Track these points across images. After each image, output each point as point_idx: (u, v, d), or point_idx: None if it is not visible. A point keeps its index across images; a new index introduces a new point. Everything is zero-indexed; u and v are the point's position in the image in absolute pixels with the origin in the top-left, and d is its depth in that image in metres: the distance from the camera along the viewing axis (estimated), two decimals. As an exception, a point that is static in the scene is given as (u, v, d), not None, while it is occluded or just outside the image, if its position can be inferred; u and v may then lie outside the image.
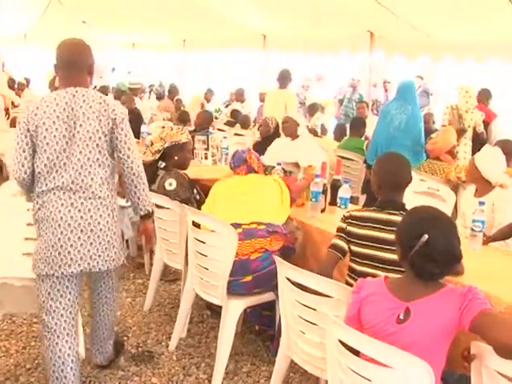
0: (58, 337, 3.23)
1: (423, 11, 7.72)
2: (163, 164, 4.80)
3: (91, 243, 3.13)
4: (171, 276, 5.35)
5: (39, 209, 3.14)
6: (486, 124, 8.10)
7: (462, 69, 10.79)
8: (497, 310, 2.60)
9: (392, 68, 14.18)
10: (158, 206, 4.40)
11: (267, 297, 3.78)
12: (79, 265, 3.12)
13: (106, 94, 11.30)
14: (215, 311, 4.47)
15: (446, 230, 2.43)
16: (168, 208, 4.31)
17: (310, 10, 8.70)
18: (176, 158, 4.81)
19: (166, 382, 3.76)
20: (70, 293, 3.25)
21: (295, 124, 6.34)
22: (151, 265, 5.04)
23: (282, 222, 3.93)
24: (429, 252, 2.37)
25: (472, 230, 3.67)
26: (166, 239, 4.46)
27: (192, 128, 7.90)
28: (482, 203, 3.71)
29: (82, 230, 3.10)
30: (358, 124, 8.02)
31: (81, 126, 3.08)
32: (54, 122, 3.07)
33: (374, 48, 9.65)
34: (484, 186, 4.44)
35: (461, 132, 7.37)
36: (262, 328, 4.34)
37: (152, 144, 4.88)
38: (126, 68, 17.55)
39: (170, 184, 4.55)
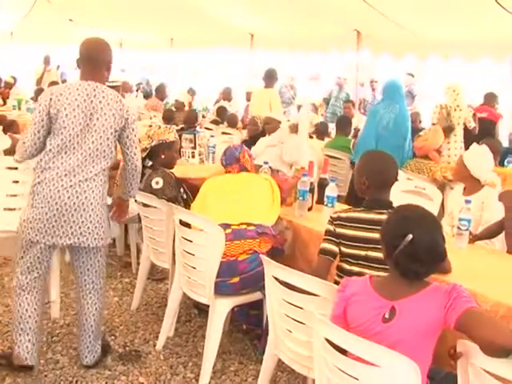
0: (28, 293, 3.58)
1: (410, 10, 7.77)
2: (150, 163, 4.79)
3: (83, 221, 3.44)
4: (158, 275, 5.34)
5: (39, 183, 3.42)
6: (493, 124, 8.34)
7: (449, 68, 10.86)
8: (483, 309, 2.61)
9: (379, 67, 14.21)
10: (144, 205, 4.39)
11: (255, 296, 3.78)
12: (69, 238, 3.45)
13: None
14: (203, 310, 4.46)
15: (431, 229, 2.43)
16: (155, 207, 4.29)
17: (297, 9, 8.71)
18: (163, 156, 4.81)
19: (153, 382, 3.75)
20: (47, 261, 3.60)
21: (277, 123, 6.33)
22: (138, 264, 5.02)
23: (272, 223, 3.92)
24: (413, 251, 2.37)
25: (458, 228, 3.68)
26: (152, 238, 4.44)
27: (179, 127, 7.89)
28: (468, 202, 3.72)
29: (75, 209, 3.41)
30: (345, 123, 8.05)
31: (97, 119, 3.42)
32: (73, 110, 3.38)
33: (361, 47, 9.68)
34: (473, 184, 4.46)
35: (448, 130, 7.44)
36: (249, 327, 4.34)
37: (139, 142, 4.86)
38: (115, 66, 17.43)
39: (157, 183, 4.54)
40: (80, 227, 3.43)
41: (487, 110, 8.56)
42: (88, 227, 3.45)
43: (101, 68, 3.52)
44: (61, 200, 3.37)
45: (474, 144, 4.89)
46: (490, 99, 9.00)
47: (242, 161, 4.15)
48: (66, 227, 3.41)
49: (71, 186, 3.38)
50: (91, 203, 3.43)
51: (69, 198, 3.38)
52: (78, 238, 3.45)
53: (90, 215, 3.44)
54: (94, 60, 3.49)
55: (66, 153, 3.38)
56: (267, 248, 3.80)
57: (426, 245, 2.38)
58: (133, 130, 3.54)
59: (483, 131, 7.88)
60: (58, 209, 3.38)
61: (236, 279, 3.69)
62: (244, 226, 3.78)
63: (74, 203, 3.39)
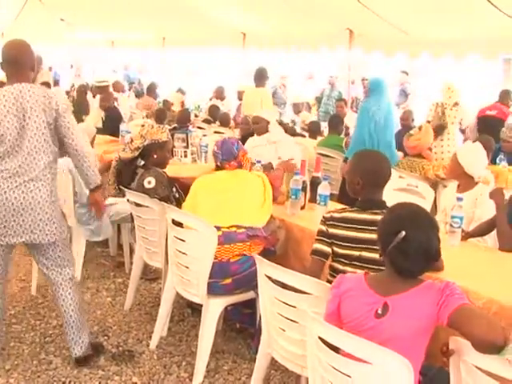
0: None
1: (402, 9, 7.78)
2: (142, 162, 4.78)
3: (32, 219, 3.54)
4: (151, 275, 5.33)
5: None
6: (501, 122, 8.25)
7: (440, 66, 10.89)
8: (475, 306, 2.62)
9: (371, 65, 14.23)
10: (137, 205, 4.38)
11: (248, 295, 3.78)
12: (21, 237, 3.56)
13: (86, 93, 11.20)
14: (196, 309, 4.45)
15: (425, 227, 2.43)
16: (147, 206, 4.28)
17: (289, 8, 8.71)
18: (155, 156, 4.78)
19: (146, 381, 3.75)
20: (3, 260, 3.70)
21: (266, 122, 6.28)
22: (131, 263, 5.02)
23: (263, 224, 3.88)
24: (407, 248, 2.38)
25: (451, 225, 3.69)
26: (145, 237, 4.44)
27: (172, 126, 7.87)
28: (460, 199, 3.73)
29: (23, 209, 3.51)
30: (337, 121, 8.07)
31: (29, 118, 3.47)
32: (5, 116, 3.46)
33: (353, 46, 9.68)
34: (467, 181, 4.46)
35: (439, 128, 7.44)
36: (242, 326, 4.34)
37: (132, 141, 4.86)
38: (108, 66, 17.40)
39: (149, 182, 4.53)
40: (30, 225, 3.54)
41: (498, 108, 8.40)
42: (38, 224, 3.55)
43: (24, 69, 3.58)
44: (8, 201, 3.49)
45: (468, 141, 4.90)
46: (504, 96, 8.79)
47: (240, 159, 4.11)
48: (17, 226, 3.53)
49: (16, 186, 3.48)
50: (38, 202, 3.53)
51: (15, 198, 3.49)
52: (30, 236, 3.56)
53: (38, 213, 3.54)
54: (16, 62, 3.56)
55: (9, 157, 3.48)
56: (258, 250, 3.77)
57: (420, 242, 2.38)
58: (65, 117, 3.57)
59: (490, 129, 7.79)
60: (6, 209, 3.50)
61: (228, 280, 3.69)
62: (234, 229, 3.76)
63: (21, 203, 3.50)
